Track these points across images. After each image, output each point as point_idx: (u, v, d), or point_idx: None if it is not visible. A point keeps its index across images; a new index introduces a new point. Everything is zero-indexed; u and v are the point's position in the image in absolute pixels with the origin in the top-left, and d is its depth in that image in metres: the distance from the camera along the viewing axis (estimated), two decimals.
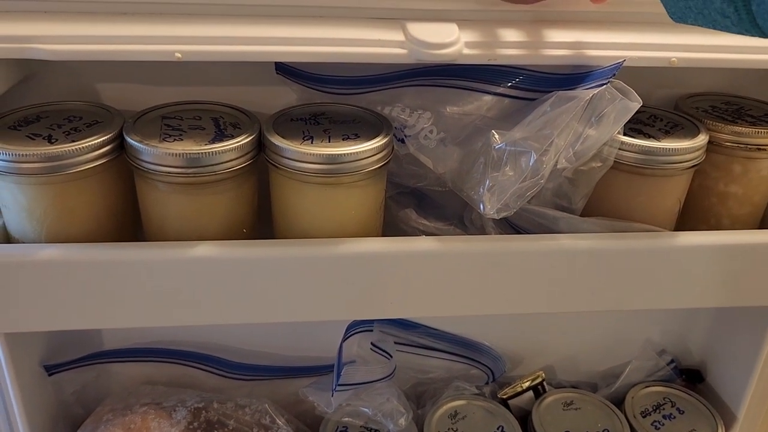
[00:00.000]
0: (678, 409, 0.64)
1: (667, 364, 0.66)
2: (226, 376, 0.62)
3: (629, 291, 0.50)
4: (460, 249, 0.47)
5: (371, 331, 0.62)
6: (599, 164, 0.47)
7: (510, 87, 0.49)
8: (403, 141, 0.51)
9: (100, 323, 0.46)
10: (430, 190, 0.53)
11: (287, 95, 0.52)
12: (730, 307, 0.63)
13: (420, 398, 0.65)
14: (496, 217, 0.46)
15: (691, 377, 0.67)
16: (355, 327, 0.61)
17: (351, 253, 0.45)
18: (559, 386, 0.66)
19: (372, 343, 0.61)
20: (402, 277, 0.47)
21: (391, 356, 0.59)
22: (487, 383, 0.65)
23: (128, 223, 0.47)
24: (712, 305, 0.52)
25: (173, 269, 0.44)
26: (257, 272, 0.45)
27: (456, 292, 0.48)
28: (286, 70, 0.49)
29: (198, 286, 0.45)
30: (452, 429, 0.60)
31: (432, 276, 0.47)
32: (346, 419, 0.60)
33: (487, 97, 0.50)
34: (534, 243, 0.47)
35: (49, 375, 0.58)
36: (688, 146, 0.47)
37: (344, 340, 0.60)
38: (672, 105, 0.55)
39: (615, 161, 0.47)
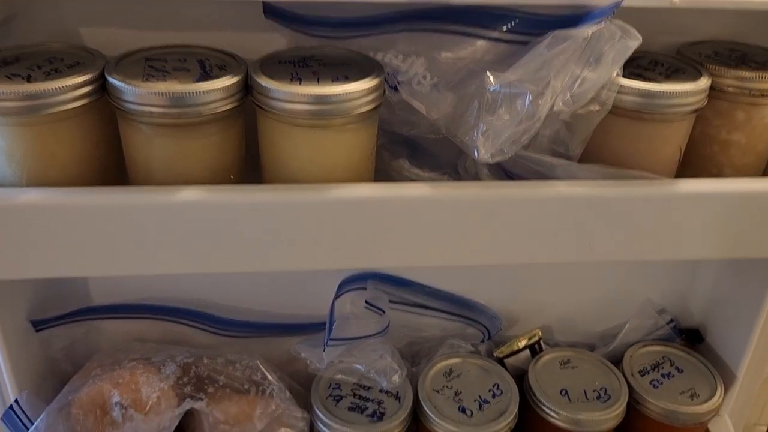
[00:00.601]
0: (677, 368, 0.63)
1: (667, 324, 0.65)
2: (217, 333, 0.61)
3: (628, 241, 0.48)
4: (453, 195, 0.45)
5: (365, 289, 0.61)
6: (597, 108, 0.45)
7: (505, 31, 0.47)
8: (396, 88, 0.49)
9: (83, 270, 0.45)
10: (424, 139, 0.52)
11: (276, 42, 0.50)
12: (732, 261, 0.62)
13: (415, 357, 0.65)
14: (491, 162, 0.44)
15: (690, 337, 0.66)
16: (348, 284, 0.60)
17: (341, 198, 0.44)
18: (555, 347, 0.65)
19: (366, 301, 0.60)
20: (394, 224, 0.45)
21: (384, 311, 0.58)
22: (482, 341, 0.64)
23: (112, 168, 0.46)
24: (713, 256, 0.50)
25: (157, 214, 0.43)
26: (244, 218, 0.44)
27: (449, 240, 0.47)
28: (275, 12, 0.47)
29: (183, 232, 0.44)
30: (447, 387, 0.59)
31: (424, 223, 0.46)
32: (339, 376, 0.59)
33: (482, 42, 0.48)
34: (530, 189, 0.46)
35: (37, 331, 0.57)
36: (690, 89, 0.46)
37: (336, 297, 0.58)
38: (674, 52, 0.53)
39: (614, 106, 0.46)
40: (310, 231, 0.45)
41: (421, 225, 0.46)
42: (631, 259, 0.49)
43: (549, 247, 0.48)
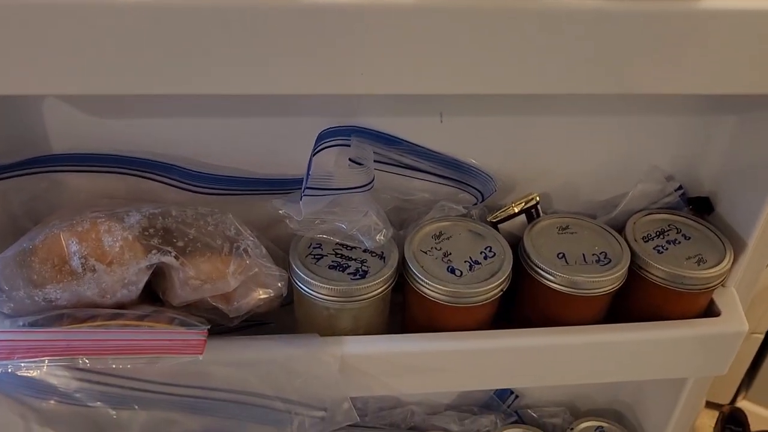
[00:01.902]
0: (684, 236, 0.58)
1: (675, 191, 0.60)
2: (190, 190, 0.56)
3: (640, 68, 0.43)
4: None
5: (348, 146, 0.56)
6: None
7: None
8: None
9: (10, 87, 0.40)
10: None
11: None
12: (748, 123, 0.57)
13: (402, 224, 0.60)
14: None
15: (699, 206, 0.62)
16: (328, 138, 0.55)
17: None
18: (554, 214, 0.61)
19: (350, 159, 0.56)
20: (374, 34, 0.40)
21: (369, 165, 0.53)
22: (475, 205, 0.60)
23: None
24: (740, 91, 0.45)
25: (102, 16, 0.37)
26: (206, 25, 0.38)
27: (438, 63, 0.41)
28: None
29: (134, 40, 0.38)
30: (436, 248, 0.55)
31: (412, 37, 0.40)
32: (320, 236, 0.55)
33: None
34: None
35: None
36: None
37: (316, 150, 0.54)
38: None
39: None
40: (283, 44, 0.39)
41: (408, 40, 0.40)
42: (642, 91, 0.44)
43: (550, 75, 0.42)
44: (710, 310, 0.59)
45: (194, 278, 0.51)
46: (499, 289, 0.53)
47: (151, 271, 0.51)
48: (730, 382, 1.24)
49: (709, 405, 1.23)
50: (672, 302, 0.56)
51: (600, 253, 0.56)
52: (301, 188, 0.54)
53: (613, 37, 0.41)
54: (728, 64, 0.43)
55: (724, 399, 1.25)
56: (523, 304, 0.58)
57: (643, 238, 0.58)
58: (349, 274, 0.52)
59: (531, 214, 0.59)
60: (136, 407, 0.49)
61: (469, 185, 0.59)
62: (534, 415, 0.76)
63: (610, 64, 0.42)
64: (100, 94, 0.41)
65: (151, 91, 0.41)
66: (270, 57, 0.40)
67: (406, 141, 0.57)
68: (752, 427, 1.04)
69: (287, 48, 0.39)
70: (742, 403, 1.25)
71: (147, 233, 0.51)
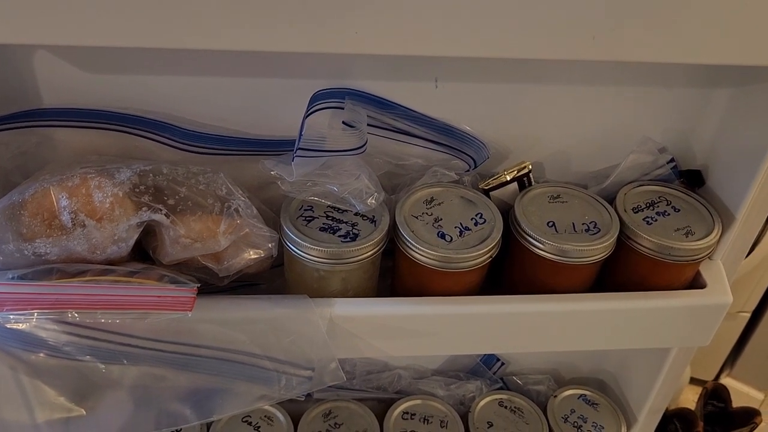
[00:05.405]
0: (673, 208, 0.59)
1: (667, 163, 0.61)
2: (183, 149, 0.56)
3: (640, 36, 0.42)
4: None
5: (341, 108, 0.55)
6: None
7: None
8: None
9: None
10: None
11: None
12: (742, 97, 0.57)
13: (395, 189, 0.60)
14: None
15: (691, 179, 0.62)
16: (323, 99, 0.54)
17: None
18: (545, 182, 0.61)
19: (344, 122, 0.55)
20: None
21: (362, 128, 0.53)
22: (468, 171, 0.60)
23: None
24: (735, 62, 0.45)
25: None
26: None
27: (433, 24, 0.41)
28: None
29: None
30: (427, 213, 0.55)
31: None
32: (312, 198, 0.55)
33: None
34: None
35: None
36: None
37: (309, 113, 0.53)
38: None
39: None
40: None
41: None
42: (640, 59, 0.43)
43: (546, 41, 0.42)
44: (696, 282, 0.59)
45: (185, 237, 0.52)
46: (488, 255, 0.53)
47: (141, 229, 0.51)
48: (715, 359, 1.26)
49: (694, 381, 1.25)
50: (659, 273, 0.56)
51: (590, 223, 0.56)
52: (292, 148, 0.54)
53: (607, 2, 0.41)
54: (724, 33, 0.43)
55: (709, 376, 1.27)
56: (511, 271, 0.58)
57: (632, 209, 0.58)
58: (339, 236, 0.53)
59: (523, 182, 0.59)
60: (126, 362, 0.49)
61: (462, 152, 0.59)
62: (519, 382, 0.77)
63: (603, 31, 0.42)
64: (90, 47, 0.41)
65: (141, 44, 0.41)
66: (264, 13, 0.39)
67: (400, 105, 0.57)
68: (734, 403, 1.06)
69: (282, 4, 0.39)
70: (726, 380, 1.26)
71: (137, 190, 0.51)
